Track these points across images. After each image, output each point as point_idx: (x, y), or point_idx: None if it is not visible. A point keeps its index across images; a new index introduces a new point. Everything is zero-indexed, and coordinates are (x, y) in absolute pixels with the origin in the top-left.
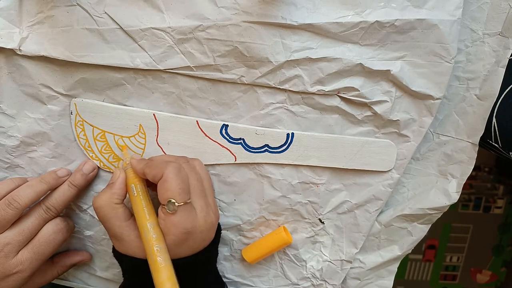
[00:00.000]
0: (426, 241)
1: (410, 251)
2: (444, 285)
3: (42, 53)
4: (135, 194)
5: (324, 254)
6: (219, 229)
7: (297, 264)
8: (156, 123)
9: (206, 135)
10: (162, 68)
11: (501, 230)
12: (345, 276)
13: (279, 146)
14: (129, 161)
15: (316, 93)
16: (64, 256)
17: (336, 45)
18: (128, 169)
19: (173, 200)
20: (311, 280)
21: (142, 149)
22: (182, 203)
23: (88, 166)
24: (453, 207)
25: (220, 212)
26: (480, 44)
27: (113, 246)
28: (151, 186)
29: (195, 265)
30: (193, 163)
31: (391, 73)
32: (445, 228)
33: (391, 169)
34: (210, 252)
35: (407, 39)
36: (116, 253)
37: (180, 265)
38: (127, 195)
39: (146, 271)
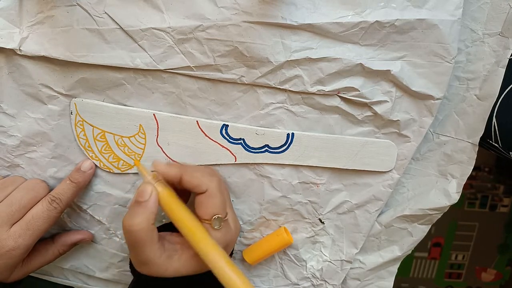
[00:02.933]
0: (432, 239)
1: (410, 252)
2: (449, 283)
3: (42, 53)
4: (182, 202)
5: (324, 254)
6: None
7: (297, 264)
8: (156, 123)
9: (206, 135)
10: (162, 68)
11: (507, 228)
12: (345, 277)
13: (279, 146)
14: (150, 174)
15: (316, 93)
16: (64, 235)
17: (336, 45)
18: (157, 182)
19: (219, 216)
20: (311, 280)
21: (142, 149)
22: (224, 219)
23: (86, 164)
24: (459, 205)
25: None
26: (480, 44)
27: (130, 263)
28: None
29: None
30: (220, 178)
31: (391, 73)
32: (451, 226)
33: (391, 170)
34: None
35: (407, 39)
36: (135, 272)
37: (211, 276)
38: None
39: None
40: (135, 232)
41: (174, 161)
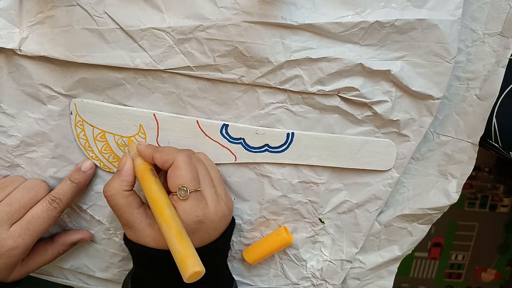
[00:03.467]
0: (432, 239)
1: (410, 252)
2: (449, 283)
3: (42, 53)
4: (156, 177)
5: (324, 254)
6: (233, 222)
7: (297, 264)
8: (156, 123)
9: (206, 135)
10: (162, 68)
11: (507, 228)
12: (345, 276)
13: (279, 146)
14: (135, 150)
15: (316, 93)
16: (64, 235)
17: (336, 45)
18: (137, 157)
19: (185, 187)
20: (311, 280)
21: None
22: (193, 190)
23: (86, 164)
24: (459, 205)
25: None
26: (480, 44)
27: (124, 234)
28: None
29: (206, 256)
30: (198, 156)
31: (391, 73)
32: (451, 226)
33: (390, 169)
34: (221, 244)
35: (407, 39)
36: (127, 241)
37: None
38: (136, 182)
39: (156, 259)
40: (108, 196)
41: None
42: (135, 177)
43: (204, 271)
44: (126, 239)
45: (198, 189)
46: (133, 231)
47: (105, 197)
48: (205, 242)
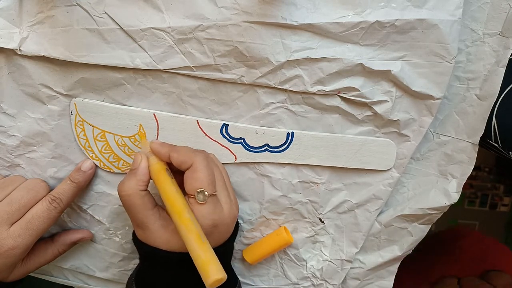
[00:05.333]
0: None
1: (410, 252)
2: None
3: (42, 53)
4: (172, 177)
5: (324, 254)
6: (237, 223)
7: (297, 264)
8: (156, 123)
9: (206, 135)
10: (162, 68)
11: (508, 227)
12: (345, 276)
13: (279, 146)
14: (148, 147)
15: (316, 93)
16: (64, 234)
17: (336, 45)
18: (151, 156)
19: (204, 190)
20: (311, 280)
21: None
22: (211, 195)
23: (86, 164)
24: (459, 203)
25: None
26: (480, 44)
27: (133, 232)
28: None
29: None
30: (212, 157)
31: (392, 73)
32: (451, 224)
33: (391, 168)
34: (230, 245)
35: (407, 39)
36: (137, 241)
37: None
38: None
39: (166, 261)
40: (124, 196)
41: None
42: (150, 176)
43: (226, 277)
44: (135, 239)
45: (215, 193)
46: (145, 232)
47: (120, 197)
48: (217, 244)
